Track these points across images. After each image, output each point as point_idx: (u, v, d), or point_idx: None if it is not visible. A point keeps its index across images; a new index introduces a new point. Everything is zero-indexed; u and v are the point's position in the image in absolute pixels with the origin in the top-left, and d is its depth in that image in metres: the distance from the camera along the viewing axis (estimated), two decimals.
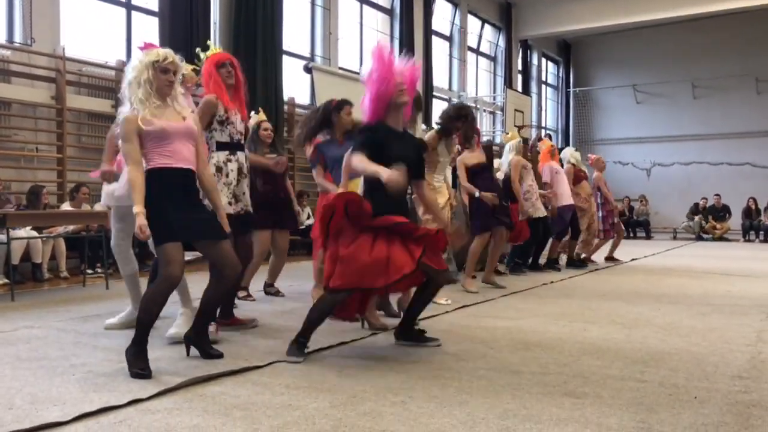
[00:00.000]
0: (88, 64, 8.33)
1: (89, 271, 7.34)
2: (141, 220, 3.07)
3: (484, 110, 18.08)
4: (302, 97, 12.01)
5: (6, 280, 6.67)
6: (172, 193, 3.23)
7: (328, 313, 3.53)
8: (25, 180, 7.64)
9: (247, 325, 4.23)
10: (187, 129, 3.32)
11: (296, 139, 5.22)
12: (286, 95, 11.31)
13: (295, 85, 11.82)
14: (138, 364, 3.05)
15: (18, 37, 7.84)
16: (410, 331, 3.88)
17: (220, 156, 4.05)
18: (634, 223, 17.81)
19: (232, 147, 4.10)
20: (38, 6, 7.83)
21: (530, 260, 8.06)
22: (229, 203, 4.01)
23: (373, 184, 3.48)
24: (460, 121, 5.50)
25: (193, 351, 3.45)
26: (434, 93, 15.39)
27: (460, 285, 6.05)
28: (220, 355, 3.44)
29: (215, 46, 4.36)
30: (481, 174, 6.24)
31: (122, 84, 3.34)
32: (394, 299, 4.73)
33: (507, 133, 8.34)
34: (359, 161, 3.48)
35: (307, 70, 11.90)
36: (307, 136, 5.01)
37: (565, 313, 4.99)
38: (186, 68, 4.00)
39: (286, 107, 11.30)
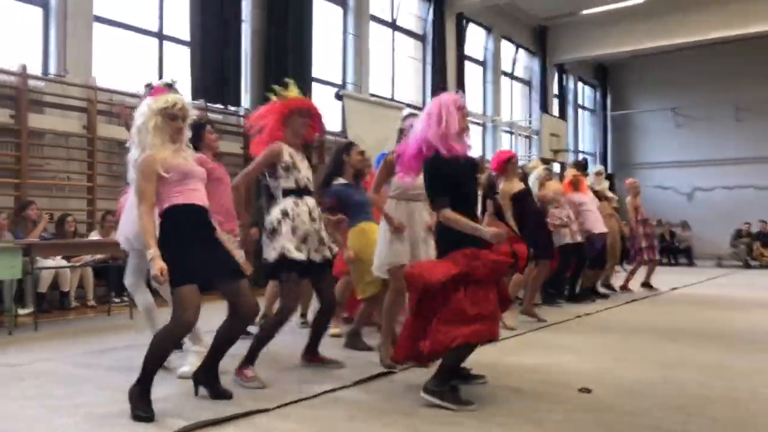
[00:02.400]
0: (119, 93, 8.42)
1: (116, 300, 7.32)
2: (159, 264, 2.93)
3: (520, 134, 17.84)
4: (334, 125, 11.97)
5: (30, 309, 6.70)
6: (188, 231, 3.14)
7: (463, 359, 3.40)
8: (56, 209, 7.69)
9: (329, 364, 4.01)
10: (202, 173, 3.31)
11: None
12: None
13: (326, 113, 11.79)
14: (141, 406, 2.93)
15: (52, 69, 7.97)
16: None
17: (287, 203, 3.76)
18: (675, 250, 17.24)
19: (299, 193, 3.80)
20: (72, 37, 7.96)
21: (566, 290, 7.78)
22: (297, 249, 3.67)
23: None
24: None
25: (202, 390, 3.33)
26: (468, 118, 15.21)
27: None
28: (229, 396, 3.31)
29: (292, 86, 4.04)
30: (524, 200, 6.06)
31: (131, 130, 3.27)
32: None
33: (530, 162, 8.15)
34: (455, 220, 3.34)
35: (338, 97, 11.91)
36: (323, 182, 4.93)
37: (598, 350, 4.72)
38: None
39: (316, 135, 11.24)
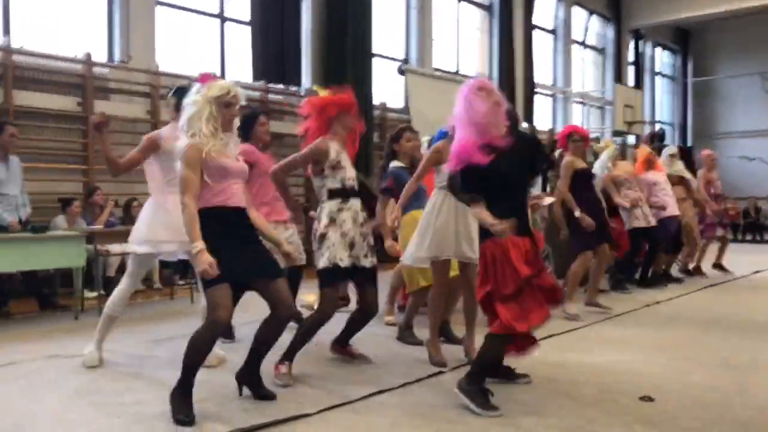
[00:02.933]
0: (182, 77, 8.49)
1: (180, 282, 7.48)
2: (206, 258, 2.87)
3: (592, 106, 17.13)
4: (396, 101, 11.77)
5: (96, 294, 6.92)
6: (226, 233, 3.08)
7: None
8: (123, 193, 7.88)
9: (357, 359, 3.97)
10: (243, 170, 3.23)
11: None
12: (379, 100, 11.12)
13: (388, 89, 11.62)
14: (182, 410, 2.92)
15: (116, 55, 8.11)
16: (497, 369, 3.58)
17: (332, 205, 3.66)
18: (760, 227, 16.22)
19: (344, 194, 3.69)
20: (135, 23, 8.07)
21: (638, 275, 7.40)
22: (347, 256, 3.62)
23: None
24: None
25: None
26: (537, 90, 14.72)
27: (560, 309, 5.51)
28: (272, 397, 3.27)
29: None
30: (585, 180, 5.71)
31: (180, 118, 3.20)
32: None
33: (600, 141, 7.73)
34: (476, 213, 3.28)
35: (401, 72, 11.68)
36: (383, 165, 4.97)
37: (667, 347, 4.42)
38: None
39: (377, 112, 11.10)
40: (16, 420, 2.99)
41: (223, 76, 9.24)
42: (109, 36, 8.14)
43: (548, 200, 6.35)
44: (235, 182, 3.16)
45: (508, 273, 3.15)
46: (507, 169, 3.26)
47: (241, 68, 9.42)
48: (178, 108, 3.96)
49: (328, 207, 3.65)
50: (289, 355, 3.61)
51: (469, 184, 3.29)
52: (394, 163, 4.80)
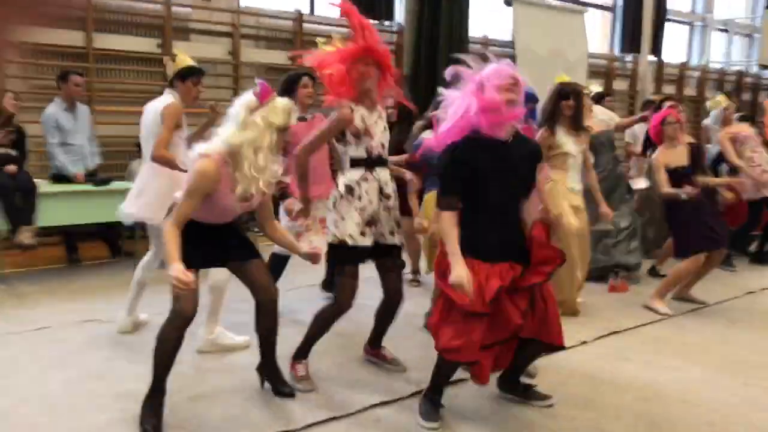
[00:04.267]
0: (264, 15, 8.22)
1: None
2: (177, 271, 2.49)
3: (737, 34, 15.05)
4: (502, 34, 10.86)
5: None
6: (202, 229, 2.84)
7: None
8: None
9: (390, 363, 3.55)
10: (247, 209, 2.95)
11: None
12: (480, 32, 10.30)
13: (490, 21, 10.72)
14: (149, 420, 2.74)
15: None
16: (514, 384, 3.16)
17: (354, 174, 3.19)
18: None
19: (370, 163, 3.20)
20: None
21: (751, 249, 6.44)
22: (362, 233, 3.15)
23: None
24: (571, 98, 4.39)
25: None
26: (669, 17, 13.09)
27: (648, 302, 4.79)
28: (290, 394, 3.10)
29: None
30: (681, 181, 4.70)
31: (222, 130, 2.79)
32: None
33: (716, 98, 6.60)
34: (445, 229, 2.74)
35: (507, 3, 10.71)
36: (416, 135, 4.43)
37: (752, 361, 3.73)
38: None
39: (477, 46, 10.28)
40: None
41: (312, 11, 8.86)
42: None
43: (642, 184, 5.56)
44: (235, 210, 2.90)
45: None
46: (505, 173, 2.72)
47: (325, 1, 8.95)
48: (180, 78, 3.75)
49: (348, 176, 3.19)
50: (302, 352, 3.31)
51: (451, 181, 2.74)
52: (428, 135, 4.04)
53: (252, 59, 8.04)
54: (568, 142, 4.42)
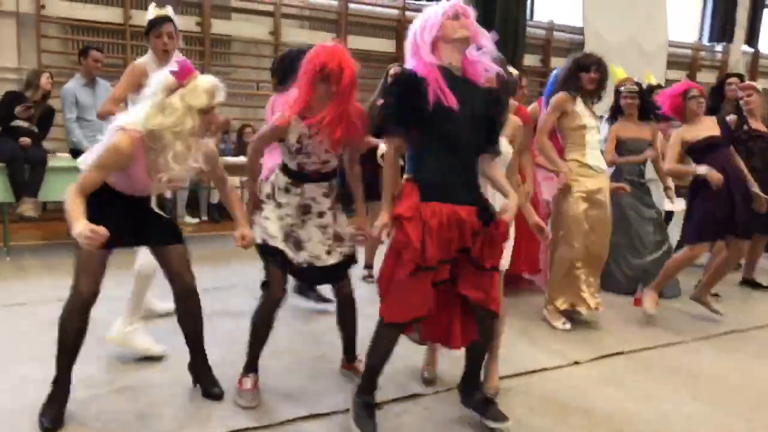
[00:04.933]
0: None
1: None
2: (82, 226, 2.24)
3: None
4: (572, 19, 10.16)
5: (198, 220, 6.99)
6: (116, 202, 2.62)
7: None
8: (246, 118, 7.78)
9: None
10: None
11: None
12: (545, 17, 9.69)
13: (558, 5, 10.06)
14: (47, 413, 2.55)
15: None
16: (471, 396, 2.78)
17: (279, 181, 2.88)
18: None
19: (298, 177, 2.86)
20: None
21: None
22: (283, 240, 2.86)
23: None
24: (591, 71, 3.93)
25: None
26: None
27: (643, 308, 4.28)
28: (217, 396, 2.86)
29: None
30: (710, 153, 4.16)
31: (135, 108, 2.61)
32: None
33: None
34: (387, 155, 2.60)
35: None
36: None
37: (765, 399, 3.17)
38: None
39: (541, 31, 9.68)
40: None
41: None
42: None
43: (680, 206, 4.94)
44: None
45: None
46: (459, 118, 2.43)
47: None
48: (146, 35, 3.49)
49: (274, 178, 2.88)
50: (250, 365, 2.94)
51: (402, 113, 2.44)
52: None
53: (294, 40, 7.84)
54: (585, 114, 3.97)
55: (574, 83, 3.95)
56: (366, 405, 2.60)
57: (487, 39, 2.52)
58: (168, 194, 5.90)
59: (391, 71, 4.25)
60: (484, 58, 2.52)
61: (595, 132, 4.00)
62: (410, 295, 2.43)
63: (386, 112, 2.50)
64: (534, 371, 3.36)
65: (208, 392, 2.88)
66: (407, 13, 8.62)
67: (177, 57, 3.05)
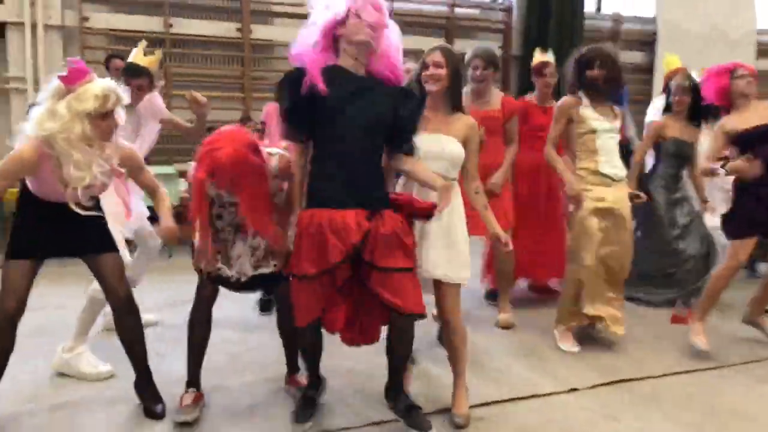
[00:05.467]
0: None
1: None
2: None
3: None
4: (644, 10, 9.44)
5: None
6: (42, 211, 2.57)
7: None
8: None
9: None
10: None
11: None
12: (610, 9, 9.04)
13: None
14: None
15: None
16: (397, 399, 2.66)
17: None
18: None
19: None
20: None
21: None
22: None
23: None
24: (594, 67, 3.48)
25: None
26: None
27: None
28: (157, 416, 2.70)
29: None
30: (763, 145, 3.51)
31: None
32: None
33: None
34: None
35: None
36: None
37: None
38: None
39: (606, 23, 9.03)
40: None
41: None
42: None
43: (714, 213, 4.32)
44: None
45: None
46: (346, 119, 2.41)
47: None
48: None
49: None
50: (191, 379, 2.79)
51: (292, 113, 2.43)
52: None
53: None
54: (593, 118, 3.51)
55: (581, 83, 3.52)
56: (305, 397, 2.68)
57: (394, 35, 2.50)
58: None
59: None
60: (391, 55, 2.47)
61: (608, 136, 3.53)
62: (302, 300, 2.45)
63: (281, 114, 2.45)
64: (520, 398, 2.99)
65: (148, 409, 2.74)
66: (456, 9, 8.26)
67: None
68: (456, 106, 2.75)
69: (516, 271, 4.36)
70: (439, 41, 8.10)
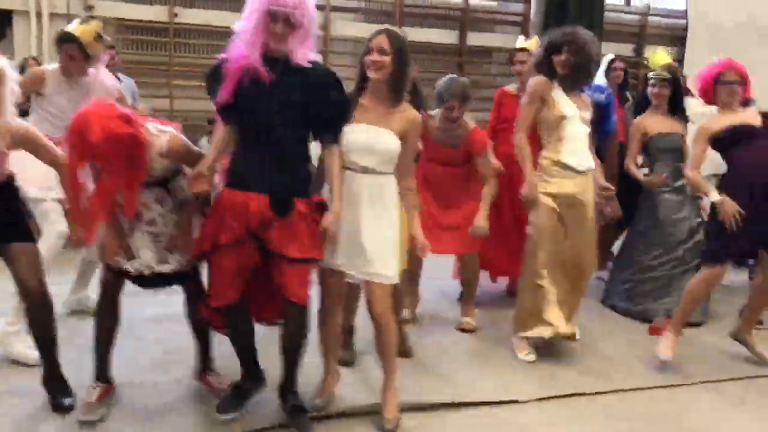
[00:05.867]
0: None
1: None
2: None
3: None
4: (673, 2, 9.00)
5: None
6: None
7: None
8: None
9: (218, 392, 2.76)
10: None
11: None
12: (640, 1, 8.64)
13: None
14: None
15: None
16: (285, 397, 2.59)
17: None
18: None
19: None
20: None
21: None
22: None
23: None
24: (563, 52, 3.19)
25: None
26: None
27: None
28: (65, 409, 2.58)
29: None
30: (747, 143, 3.25)
31: None
32: None
33: None
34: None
35: None
36: None
37: None
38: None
39: (635, 17, 8.62)
40: None
41: None
42: None
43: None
44: None
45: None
46: (264, 103, 2.35)
47: None
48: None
49: None
50: (99, 373, 2.66)
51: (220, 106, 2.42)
52: None
53: (344, 33, 7.52)
54: (565, 103, 3.23)
55: (547, 68, 3.25)
56: (236, 388, 2.63)
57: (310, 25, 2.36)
58: None
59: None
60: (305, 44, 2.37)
61: (578, 123, 3.24)
62: (213, 280, 2.45)
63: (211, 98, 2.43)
64: (458, 404, 2.77)
65: (56, 403, 2.61)
66: (472, 1, 8.00)
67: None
68: (399, 97, 2.54)
69: (493, 270, 4.18)
70: (454, 34, 8.06)
